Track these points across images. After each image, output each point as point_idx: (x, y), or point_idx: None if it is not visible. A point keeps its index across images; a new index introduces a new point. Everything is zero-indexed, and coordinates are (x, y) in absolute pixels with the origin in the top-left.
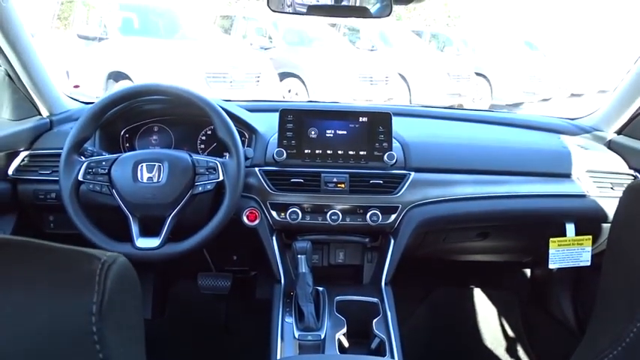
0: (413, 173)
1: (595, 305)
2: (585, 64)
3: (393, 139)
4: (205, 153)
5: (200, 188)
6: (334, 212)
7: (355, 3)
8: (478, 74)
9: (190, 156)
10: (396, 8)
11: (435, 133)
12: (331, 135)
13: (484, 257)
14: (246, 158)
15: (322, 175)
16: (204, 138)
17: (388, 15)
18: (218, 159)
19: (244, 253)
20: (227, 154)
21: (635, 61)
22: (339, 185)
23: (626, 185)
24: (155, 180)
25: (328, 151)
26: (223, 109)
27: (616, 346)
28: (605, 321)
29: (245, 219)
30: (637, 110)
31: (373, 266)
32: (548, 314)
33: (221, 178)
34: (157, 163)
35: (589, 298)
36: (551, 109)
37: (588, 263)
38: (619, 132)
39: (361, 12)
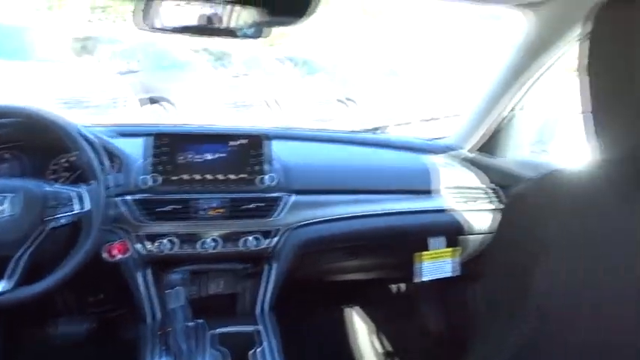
0: (294, 196)
1: (475, 314)
2: (440, 90)
3: (275, 162)
4: (64, 182)
5: (56, 222)
6: (212, 239)
7: (227, 25)
8: (347, 99)
9: (45, 186)
10: (268, 32)
11: (315, 155)
12: (207, 159)
13: (361, 276)
14: (116, 186)
15: (198, 201)
16: (62, 166)
17: (260, 37)
18: (77, 188)
19: (109, 289)
20: (89, 182)
21: (483, 84)
22: (216, 211)
23: (485, 199)
24: (1, 214)
25: (204, 176)
26: (86, 133)
27: (502, 352)
28: (488, 328)
29: (107, 254)
30: (490, 129)
31: (255, 293)
32: (422, 327)
33: (80, 209)
34: (3, 195)
35: (460, 308)
36: (413, 131)
37: (454, 274)
38: (477, 149)
39: (232, 33)
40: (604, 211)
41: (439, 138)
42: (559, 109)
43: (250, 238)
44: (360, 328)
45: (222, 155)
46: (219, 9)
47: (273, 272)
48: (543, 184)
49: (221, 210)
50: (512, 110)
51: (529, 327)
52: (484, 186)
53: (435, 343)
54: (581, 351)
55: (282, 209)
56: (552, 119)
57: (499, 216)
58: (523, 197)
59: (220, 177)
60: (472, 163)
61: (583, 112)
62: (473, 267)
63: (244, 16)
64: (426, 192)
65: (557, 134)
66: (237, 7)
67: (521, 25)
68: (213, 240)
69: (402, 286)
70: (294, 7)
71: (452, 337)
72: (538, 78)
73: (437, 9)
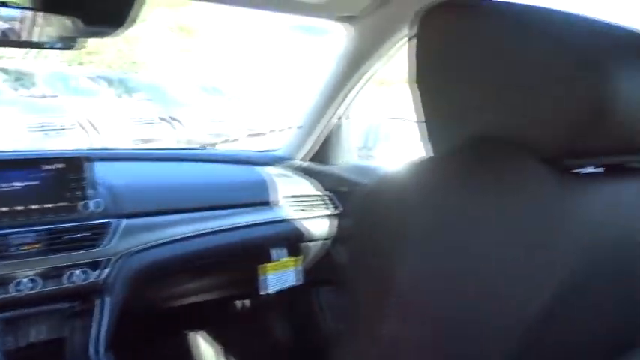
0: (124, 220)
1: (324, 321)
2: (265, 105)
3: (99, 186)
4: None
5: None
6: (29, 279)
7: (29, 38)
8: (171, 118)
9: None
10: (82, 43)
11: (145, 176)
12: (16, 188)
13: (207, 296)
14: None
15: (7, 237)
16: None
17: (72, 48)
18: None
19: None
20: None
21: (309, 96)
22: (31, 246)
23: (322, 206)
24: None
25: (13, 208)
26: None
27: (374, 348)
28: (348, 335)
29: None
30: (320, 138)
31: (87, 333)
32: (273, 341)
33: None
34: None
35: (308, 316)
36: (241, 146)
37: (298, 282)
38: (309, 159)
39: (38, 44)
40: (441, 206)
41: (271, 150)
42: (379, 116)
43: (77, 271)
44: (208, 353)
45: (34, 183)
46: (16, 24)
47: (107, 306)
48: (387, 184)
49: (37, 244)
50: (338, 119)
51: (389, 328)
52: (319, 193)
53: (287, 355)
54: (435, 349)
55: (112, 236)
56: (375, 125)
57: (335, 221)
58: (370, 199)
59: (34, 207)
60: (306, 172)
61: (417, 120)
62: (315, 273)
63: (49, 31)
64: (264, 203)
65: (380, 139)
66: (41, 19)
67: (341, 37)
68: (31, 280)
69: (249, 301)
70: (109, 18)
71: (303, 347)
72: (361, 88)
73: (249, 25)
